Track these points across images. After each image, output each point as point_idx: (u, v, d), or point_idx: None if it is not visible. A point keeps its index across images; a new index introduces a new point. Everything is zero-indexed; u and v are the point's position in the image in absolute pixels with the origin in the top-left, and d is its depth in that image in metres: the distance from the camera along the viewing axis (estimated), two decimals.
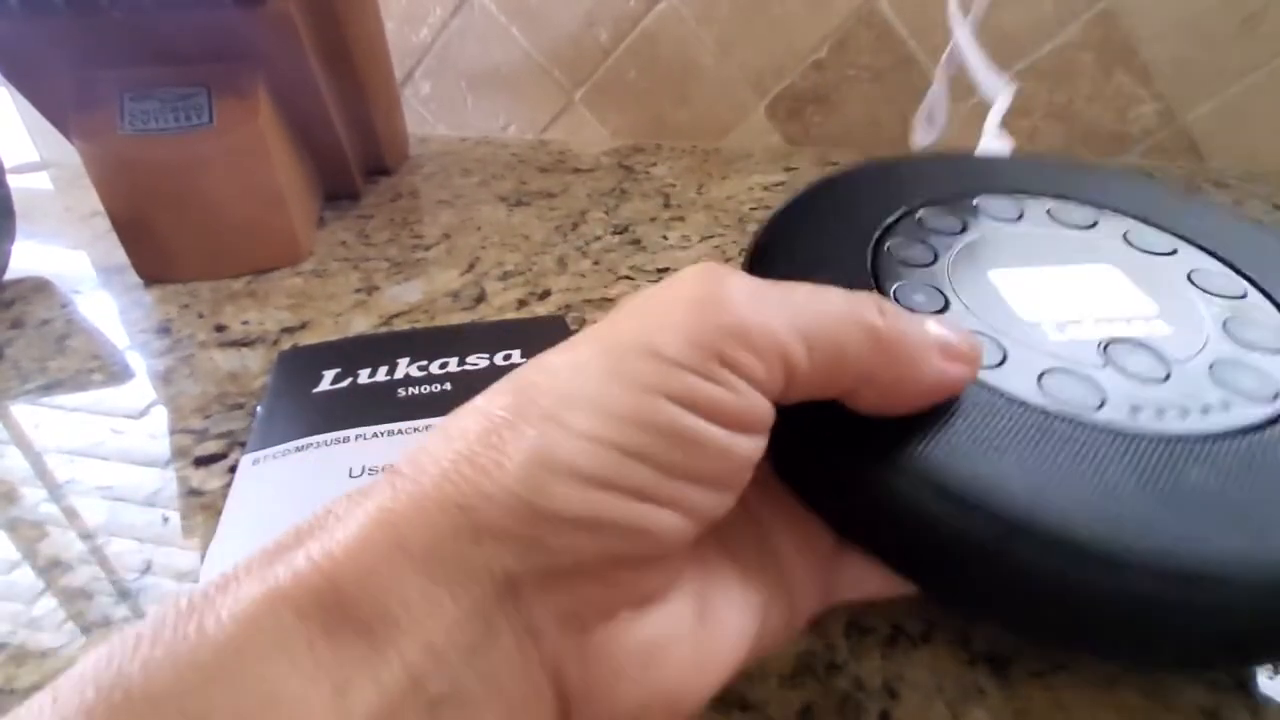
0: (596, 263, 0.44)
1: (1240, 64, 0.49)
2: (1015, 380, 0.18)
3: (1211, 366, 0.19)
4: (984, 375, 0.18)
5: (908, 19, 0.53)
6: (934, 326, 0.17)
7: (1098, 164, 0.27)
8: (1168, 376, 0.19)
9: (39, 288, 0.45)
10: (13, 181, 0.45)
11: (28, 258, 0.47)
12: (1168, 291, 0.21)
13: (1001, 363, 0.19)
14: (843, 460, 0.17)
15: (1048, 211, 0.24)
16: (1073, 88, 0.52)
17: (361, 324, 0.39)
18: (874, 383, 0.16)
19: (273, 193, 0.43)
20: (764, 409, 0.15)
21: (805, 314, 0.15)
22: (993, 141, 0.39)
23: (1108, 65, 0.51)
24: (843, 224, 0.24)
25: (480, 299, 0.40)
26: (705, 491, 0.15)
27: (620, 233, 0.47)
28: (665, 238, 0.46)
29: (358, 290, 0.42)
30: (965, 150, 0.29)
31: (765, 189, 0.52)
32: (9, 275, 0.45)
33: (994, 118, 0.40)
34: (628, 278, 0.42)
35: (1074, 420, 0.17)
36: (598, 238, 0.47)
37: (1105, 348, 0.19)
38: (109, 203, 0.41)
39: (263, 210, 0.43)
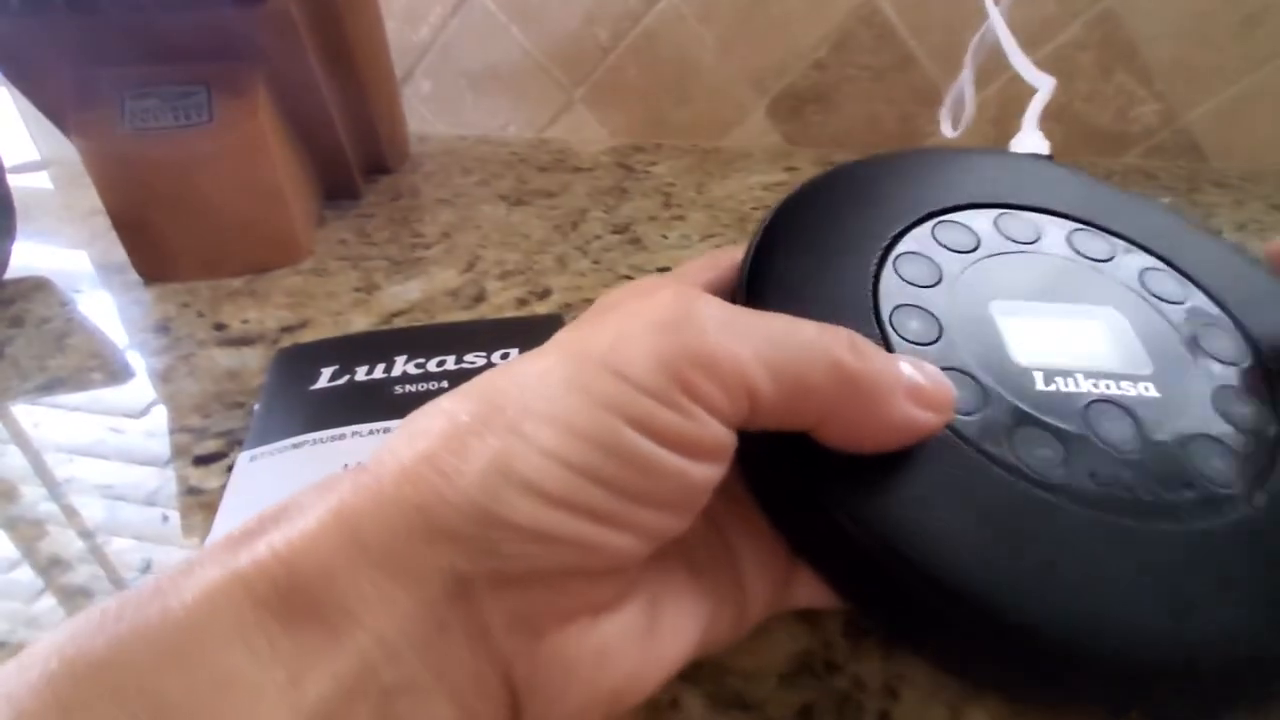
0: (596, 262, 0.44)
1: (1241, 64, 0.49)
2: (987, 430, 0.18)
3: (1188, 443, 0.18)
4: (959, 420, 0.18)
5: (908, 18, 0.53)
6: (907, 369, 0.17)
7: (1131, 189, 0.25)
8: (1140, 449, 0.18)
9: (39, 286, 0.45)
10: (12, 180, 0.45)
11: (27, 256, 0.47)
12: (1167, 349, 0.21)
13: (979, 410, 0.18)
14: (798, 485, 0.17)
15: (1067, 238, 0.23)
16: (1073, 88, 0.52)
17: (361, 323, 0.39)
18: (837, 420, 0.16)
19: (273, 191, 0.43)
20: (723, 438, 0.15)
21: (773, 346, 0.15)
22: (1029, 138, 0.36)
23: (1108, 65, 0.51)
24: (855, 223, 0.22)
25: (480, 298, 0.40)
26: (660, 514, 0.15)
27: (620, 232, 0.47)
28: (665, 237, 0.46)
29: (357, 289, 0.42)
30: (997, 149, 0.27)
31: (765, 188, 0.52)
32: (9, 274, 0.45)
33: (1033, 112, 0.38)
34: (628, 277, 0.42)
35: (1033, 482, 0.17)
36: (597, 237, 0.47)
37: (1088, 408, 0.19)
38: (109, 201, 0.41)
39: (262, 209, 0.43)
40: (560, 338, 0.16)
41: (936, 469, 0.17)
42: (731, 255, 0.22)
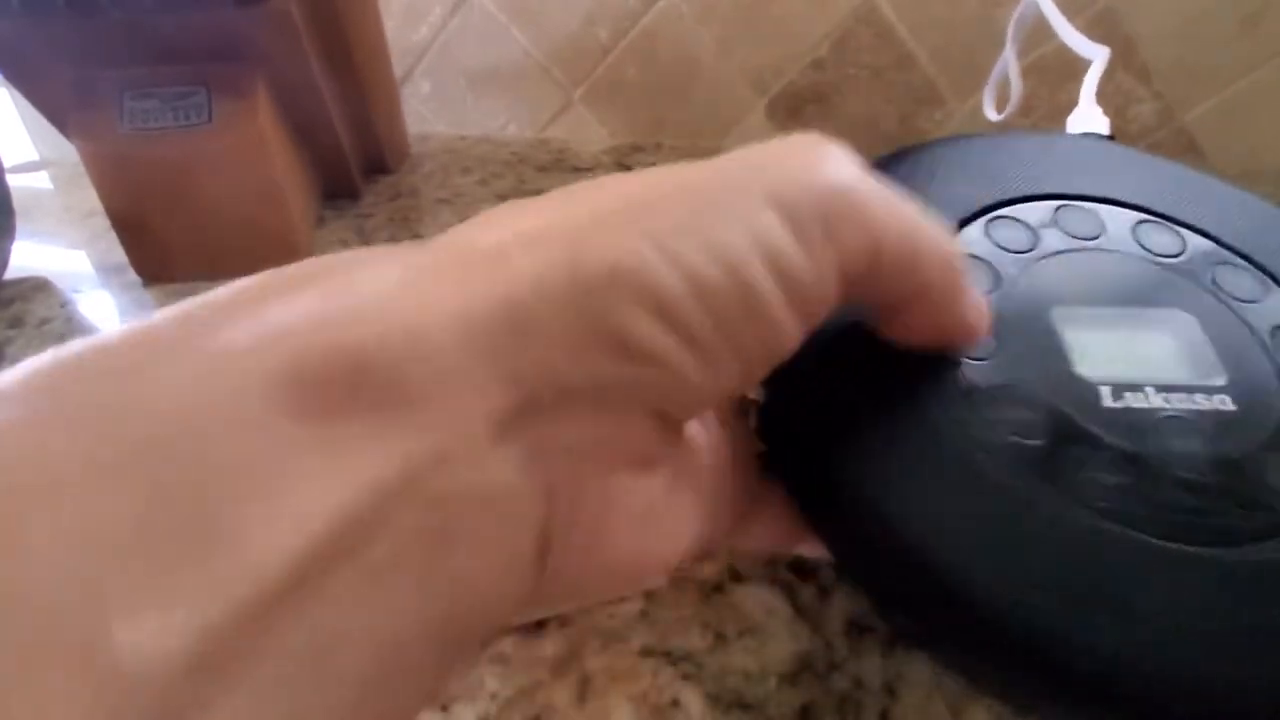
0: None
1: (1240, 63, 0.49)
2: (1053, 456, 0.16)
3: (1262, 464, 0.17)
4: (1022, 443, 0.17)
5: (907, 18, 0.53)
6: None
7: (1199, 172, 0.24)
8: (1215, 471, 0.17)
9: (38, 287, 0.45)
10: (12, 180, 0.45)
11: (27, 257, 0.47)
12: (1243, 355, 0.19)
13: (1043, 434, 0.17)
14: (840, 486, 0.17)
15: (1132, 231, 0.21)
16: (1074, 87, 0.52)
17: None
18: (923, 302, 0.16)
19: (272, 192, 0.43)
20: (831, 296, 0.14)
21: (902, 210, 0.15)
22: (1086, 115, 0.34)
23: (1108, 64, 0.51)
24: None
25: None
26: (738, 364, 0.14)
27: None
28: None
29: None
30: (1053, 131, 0.25)
31: None
32: (8, 274, 0.45)
33: (1089, 86, 0.35)
34: None
35: (1103, 514, 0.16)
36: None
37: (1158, 425, 0.17)
38: (108, 202, 0.41)
39: (262, 209, 0.43)
40: (702, 162, 0.15)
41: (998, 500, 0.16)
42: None
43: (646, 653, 0.22)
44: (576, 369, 0.12)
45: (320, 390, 0.10)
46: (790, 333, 0.14)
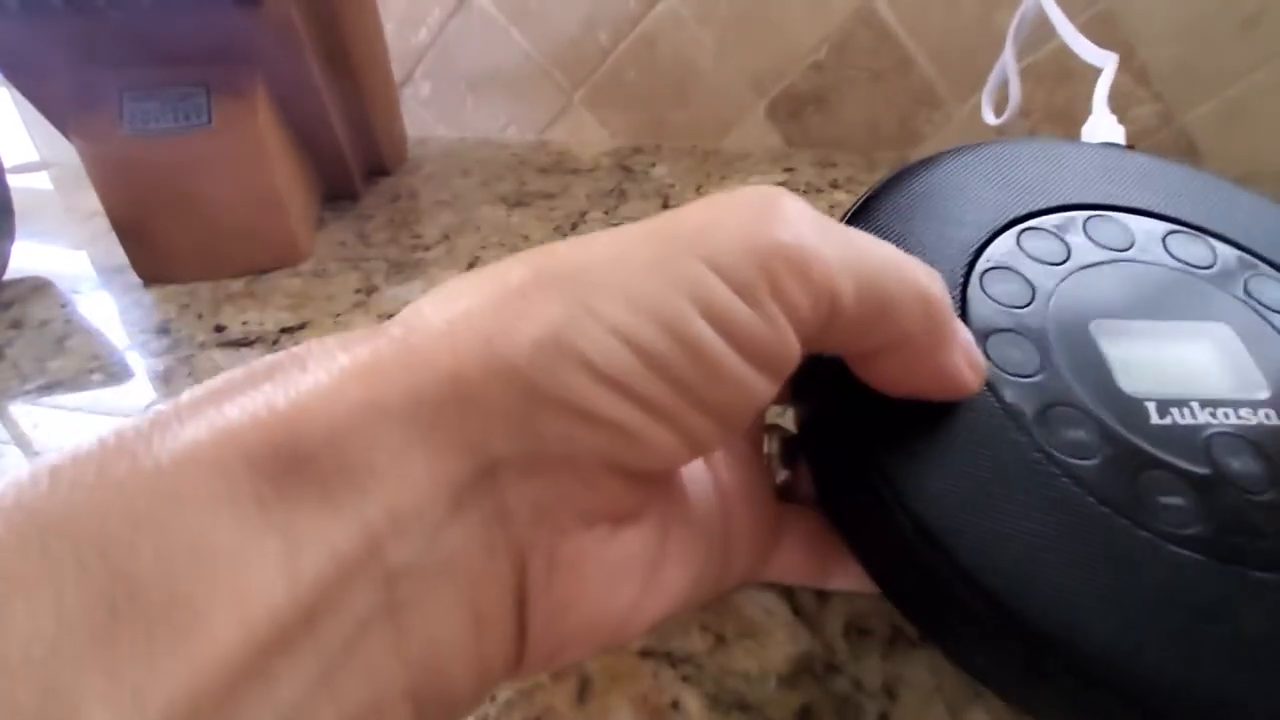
0: None
1: (1239, 64, 0.49)
2: (1109, 477, 0.16)
3: None
4: (1077, 465, 0.16)
5: (907, 20, 0.53)
6: (962, 327, 0.16)
7: (1222, 180, 0.23)
8: (1270, 488, 0.16)
9: (39, 288, 0.45)
10: (13, 181, 0.45)
11: (27, 258, 0.47)
12: None
13: (1097, 452, 0.16)
14: (907, 528, 0.16)
15: (1162, 242, 0.21)
16: (1072, 88, 0.52)
17: (361, 324, 0.39)
18: (900, 353, 0.15)
19: (272, 193, 0.43)
20: (791, 350, 0.14)
21: (865, 259, 0.14)
22: (1102, 124, 0.34)
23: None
24: (932, 235, 0.20)
25: None
26: (707, 421, 0.14)
27: None
28: None
29: (357, 290, 0.42)
30: (1069, 140, 0.25)
31: None
32: (9, 275, 0.45)
33: (1101, 94, 0.35)
34: None
35: (1167, 537, 0.15)
36: None
37: (1209, 443, 0.17)
38: (108, 203, 0.41)
39: (262, 210, 0.43)
40: (642, 221, 0.15)
41: (1054, 520, 0.15)
42: None
43: (646, 654, 0.22)
44: (525, 437, 0.13)
45: (274, 477, 0.11)
46: (759, 387, 0.14)
